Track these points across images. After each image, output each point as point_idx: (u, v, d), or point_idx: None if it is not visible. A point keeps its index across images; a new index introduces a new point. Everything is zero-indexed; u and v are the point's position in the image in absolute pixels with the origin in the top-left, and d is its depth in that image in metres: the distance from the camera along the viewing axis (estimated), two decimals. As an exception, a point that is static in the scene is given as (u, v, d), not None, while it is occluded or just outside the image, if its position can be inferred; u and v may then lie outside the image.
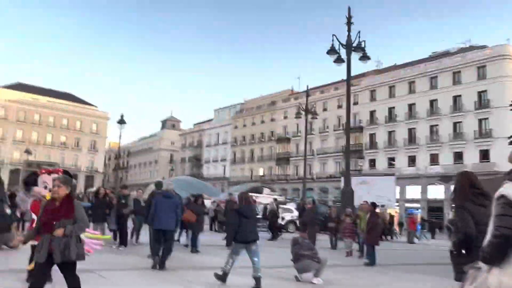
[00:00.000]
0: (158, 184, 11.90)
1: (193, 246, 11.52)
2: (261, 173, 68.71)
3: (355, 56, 20.90)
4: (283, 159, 65.54)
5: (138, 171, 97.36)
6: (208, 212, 19.89)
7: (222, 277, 6.84)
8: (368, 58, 21.14)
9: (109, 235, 11.41)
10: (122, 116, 28.56)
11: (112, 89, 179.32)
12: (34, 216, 5.40)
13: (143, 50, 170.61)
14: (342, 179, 37.17)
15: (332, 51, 20.72)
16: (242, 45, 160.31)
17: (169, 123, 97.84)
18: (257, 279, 6.68)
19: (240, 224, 6.94)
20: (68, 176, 5.80)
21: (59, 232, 4.13)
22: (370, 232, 11.15)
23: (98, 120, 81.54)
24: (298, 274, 7.36)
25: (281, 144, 66.65)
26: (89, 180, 75.15)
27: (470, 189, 3.82)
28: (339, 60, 21.37)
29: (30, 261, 5.37)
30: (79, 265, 4.30)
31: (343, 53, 20.95)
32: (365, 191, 29.70)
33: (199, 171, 78.98)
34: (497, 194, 2.54)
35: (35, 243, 4.48)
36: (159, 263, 8.00)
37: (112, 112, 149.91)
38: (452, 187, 4.17)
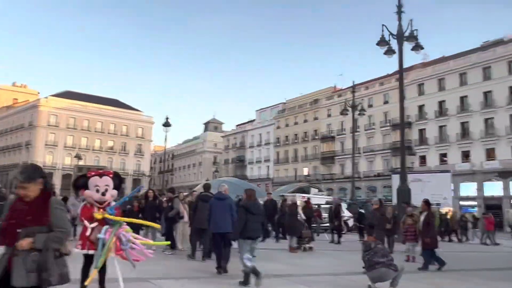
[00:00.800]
0: (206, 186, 11.29)
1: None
2: (305, 173, 67.67)
3: (406, 47, 19.82)
4: (328, 158, 64.26)
5: (182, 173, 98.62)
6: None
7: (245, 281, 6.74)
8: (422, 47, 19.91)
9: (161, 240, 11.07)
10: (167, 119, 28.64)
11: (156, 93, 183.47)
12: (86, 223, 4.95)
13: (184, 53, 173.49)
14: (393, 176, 36.09)
15: (382, 42, 19.66)
16: (281, 43, 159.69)
17: (212, 125, 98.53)
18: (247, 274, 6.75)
19: (247, 221, 7.03)
20: (118, 179, 5.37)
21: (23, 244, 2.94)
22: (425, 233, 9.97)
23: (143, 124, 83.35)
24: (371, 283, 6.60)
25: (325, 143, 65.40)
26: (136, 183, 76.85)
27: None
28: (389, 51, 20.29)
29: None
30: (130, 274, 3.72)
31: (393, 44, 19.94)
32: (418, 189, 28.31)
33: (242, 172, 78.89)
34: None
35: None
36: (223, 268, 7.88)
37: (155, 116, 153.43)
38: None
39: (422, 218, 10.35)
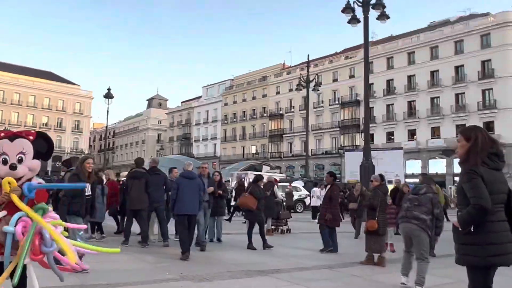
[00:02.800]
0: (138, 161, 9.49)
1: (264, 242, 9.09)
2: (253, 151, 66.66)
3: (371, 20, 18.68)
4: (276, 136, 63.51)
5: (124, 151, 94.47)
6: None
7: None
8: (388, 17, 18.84)
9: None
10: (109, 90, 25.93)
11: (95, 67, 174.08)
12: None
13: (126, 26, 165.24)
14: (347, 154, 35.70)
15: (347, 8, 18.37)
16: (229, 18, 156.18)
17: (156, 102, 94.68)
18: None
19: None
20: (45, 142, 3.47)
21: None
22: (326, 209, 8.45)
23: (81, 99, 78.13)
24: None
25: (273, 121, 64.50)
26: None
27: (486, 148, 3.03)
28: (354, 20, 19.07)
29: None
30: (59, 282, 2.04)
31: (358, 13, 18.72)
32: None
33: (188, 150, 76.54)
34: None
35: None
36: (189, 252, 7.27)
37: (95, 91, 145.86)
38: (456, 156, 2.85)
39: (324, 192, 9.33)
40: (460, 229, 2.97)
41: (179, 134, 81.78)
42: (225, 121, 72.54)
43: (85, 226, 5.80)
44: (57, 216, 3.21)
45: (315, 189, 18.51)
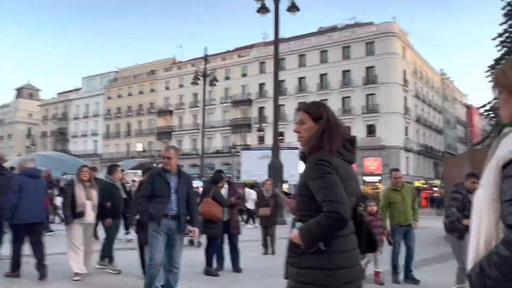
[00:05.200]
0: None
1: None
2: (139, 149, 62.57)
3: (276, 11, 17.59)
4: (165, 133, 60.50)
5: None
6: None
7: None
8: (298, 9, 18.00)
9: None
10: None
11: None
12: None
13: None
14: (243, 153, 34.58)
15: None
16: (113, 8, 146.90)
17: (26, 92, 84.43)
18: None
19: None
20: None
21: None
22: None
23: None
24: None
25: (162, 117, 61.35)
26: None
27: (342, 132, 2.26)
28: (263, 9, 17.90)
29: None
30: None
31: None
32: (266, 166, 27.21)
33: (64, 146, 69.34)
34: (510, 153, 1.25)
35: None
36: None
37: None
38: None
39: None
40: (302, 246, 2.06)
41: (54, 128, 73.84)
42: (108, 116, 67.17)
43: None
44: None
45: (251, 191, 16.81)
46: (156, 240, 4.82)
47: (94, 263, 7.00)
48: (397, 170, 7.11)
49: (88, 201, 6.43)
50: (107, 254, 7.05)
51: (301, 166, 2.43)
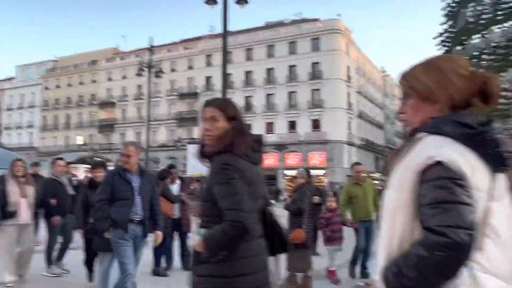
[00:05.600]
0: None
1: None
2: (79, 142, 59.96)
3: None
4: (107, 126, 58.37)
5: None
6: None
7: None
8: (246, 1, 17.74)
9: None
10: None
11: None
12: None
13: None
14: (189, 146, 33.90)
15: (206, -15, 16.65)
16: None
17: (-48, 80, 78.29)
18: None
19: None
20: None
21: None
22: None
23: None
24: None
25: (104, 110, 59.08)
26: None
27: (250, 133, 2.20)
28: (212, 0, 17.48)
29: None
30: None
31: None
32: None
33: (-4, 139, 65.10)
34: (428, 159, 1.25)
35: None
36: None
37: None
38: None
39: None
40: (205, 254, 1.99)
41: (-16, 120, 69.09)
42: (46, 107, 63.74)
43: None
44: None
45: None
46: (124, 249, 4.28)
47: (40, 269, 6.47)
48: (359, 164, 6.85)
49: (22, 199, 5.89)
50: (58, 257, 6.57)
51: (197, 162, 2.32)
